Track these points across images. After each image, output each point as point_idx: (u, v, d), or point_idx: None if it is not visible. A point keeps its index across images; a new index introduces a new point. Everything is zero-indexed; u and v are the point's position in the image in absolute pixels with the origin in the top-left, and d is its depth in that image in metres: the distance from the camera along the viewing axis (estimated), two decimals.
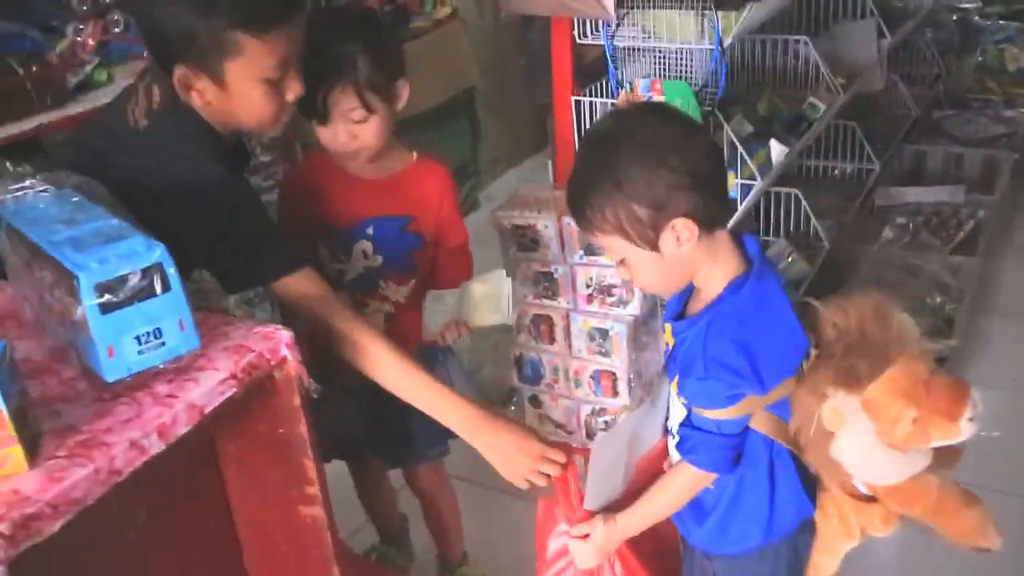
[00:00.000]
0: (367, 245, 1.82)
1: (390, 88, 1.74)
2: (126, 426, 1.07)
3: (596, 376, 2.40)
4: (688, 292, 1.48)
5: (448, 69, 4.19)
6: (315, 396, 1.30)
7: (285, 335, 1.26)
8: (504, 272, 1.87)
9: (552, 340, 2.42)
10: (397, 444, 1.99)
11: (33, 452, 1.01)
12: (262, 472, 1.38)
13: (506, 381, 2.59)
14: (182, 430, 1.11)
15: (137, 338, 1.09)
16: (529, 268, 2.35)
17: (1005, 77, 4.77)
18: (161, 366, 1.13)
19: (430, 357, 1.94)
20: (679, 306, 1.49)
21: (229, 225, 1.54)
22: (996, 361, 2.89)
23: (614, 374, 2.38)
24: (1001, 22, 5.41)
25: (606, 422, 2.44)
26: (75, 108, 2.94)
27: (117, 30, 3.10)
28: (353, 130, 1.71)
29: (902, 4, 3.77)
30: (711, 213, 1.35)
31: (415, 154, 1.87)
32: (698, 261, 1.38)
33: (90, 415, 1.10)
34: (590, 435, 2.48)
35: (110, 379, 1.09)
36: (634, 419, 1.57)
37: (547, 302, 2.38)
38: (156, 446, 1.08)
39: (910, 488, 1.38)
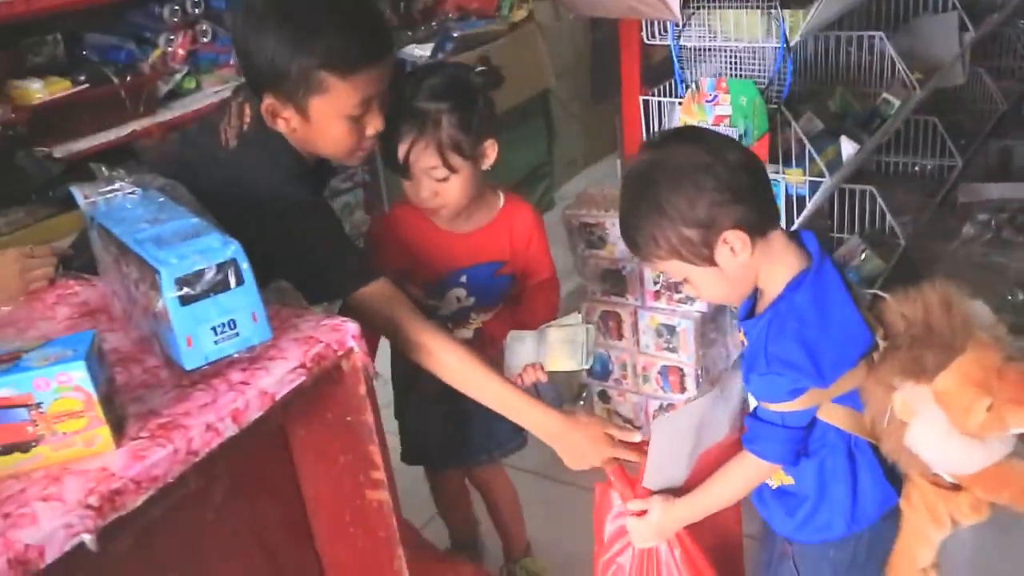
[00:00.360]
0: (461, 292, 1.87)
1: (476, 148, 1.74)
2: (203, 411, 1.15)
3: (664, 372, 2.44)
4: (755, 293, 1.50)
5: (524, 71, 4.23)
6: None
7: (352, 327, 1.32)
8: (582, 318, 1.87)
9: (620, 336, 2.45)
10: (476, 443, 2.03)
11: (119, 433, 1.09)
12: (331, 458, 1.44)
13: (575, 377, 2.63)
14: (254, 415, 1.18)
15: (213, 328, 1.16)
16: (597, 265, 2.39)
17: None
18: (235, 355, 1.21)
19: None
20: (749, 306, 1.52)
21: (310, 245, 1.61)
22: None
23: (682, 370, 2.41)
24: None
25: None
26: (166, 115, 3.09)
27: (205, 40, 3.22)
28: (435, 187, 1.73)
29: None
30: (759, 219, 1.38)
31: (502, 196, 1.89)
32: (757, 266, 1.40)
33: (170, 400, 1.18)
34: None
35: (188, 367, 1.16)
36: (699, 405, 1.59)
37: (615, 299, 2.42)
38: (230, 429, 1.15)
39: (995, 474, 1.37)
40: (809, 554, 1.56)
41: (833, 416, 1.44)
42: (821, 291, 1.39)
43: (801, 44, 2.23)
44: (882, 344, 1.39)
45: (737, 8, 2.14)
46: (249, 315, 1.21)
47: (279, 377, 1.22)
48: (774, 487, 1.55)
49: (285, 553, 1.50)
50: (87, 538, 1.00)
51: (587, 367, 1.85)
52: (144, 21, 3.10)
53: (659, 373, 2.45)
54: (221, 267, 1.16)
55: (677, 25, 2.22)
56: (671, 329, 2.36)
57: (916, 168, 3.50)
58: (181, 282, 1.13)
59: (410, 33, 4.18)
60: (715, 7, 2.15)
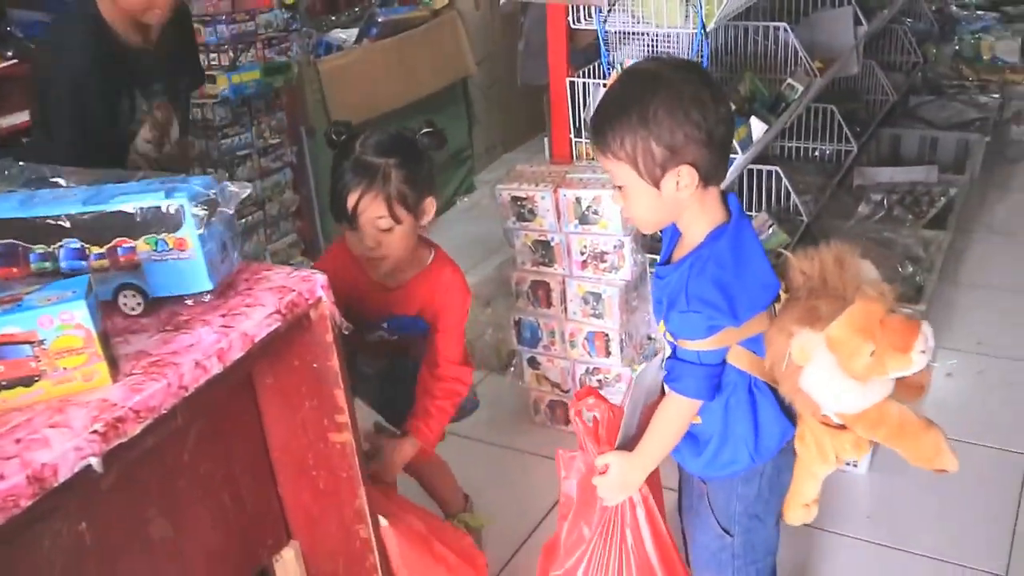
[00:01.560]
0: (383, 333, 1.96)
1: (419, 203, 1.82)
2: (189, 350, 1.23)
3: (590, 338, 2.54)
4: (673, 243, 1.60)
5: (445, 58, 4.33)
6: (346, 332, 1.46)
7: (320, 278, 1.41)
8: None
9: (549, 304, 2.56)
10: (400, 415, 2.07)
11: (115, 369, 1.17)
12: (297, 403, 1.52)
13: (506, 344, 2.74)
14: (237, 355, 1.27)
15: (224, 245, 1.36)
16: (527, 237, 2.50)
17: (980, 65, 4.91)
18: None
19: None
20: (667, 254, 1.62)
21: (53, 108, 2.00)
22: (962, 327, 3.05)
23: (607, 335, 2.52)
24: (979, 12, 5.58)
25: (599, 380, 2.60)
26: None
27: None
28: (379, 238, 1.79)
29: None
30: (713, 170, 1.49)
31: (432, 255, 1.95)
32: (685, 207, 1.50)
33: (157, 342, 1.25)
34: None
35: (214, 285, 1.32)
36: (656, 364, 1.70)
37: (544, 269, 2.52)
38: (216, 367, 1.24)
39: (874, 414, 1.51)
40: (719, 489, 1.69)
41: (738, 359, 1.56)
42: (739, 242, 1.51)
43: (714, 32, 2.37)
44: (783, 296, 1.54)
45: None
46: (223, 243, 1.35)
47: (257, 321, 1.31)
48: None
49: (250, 495, 1.57)
50: (94, 461, 1.08)
51: None
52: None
53: (586, 339, 2.55)
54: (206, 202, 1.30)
55: (602, 11, 2.34)
56: (597, 297, 2.48)
57: (816, 152, 3.69)
58: (200, 206, 1.27)
59: (334, 18, 4.25)
60: None
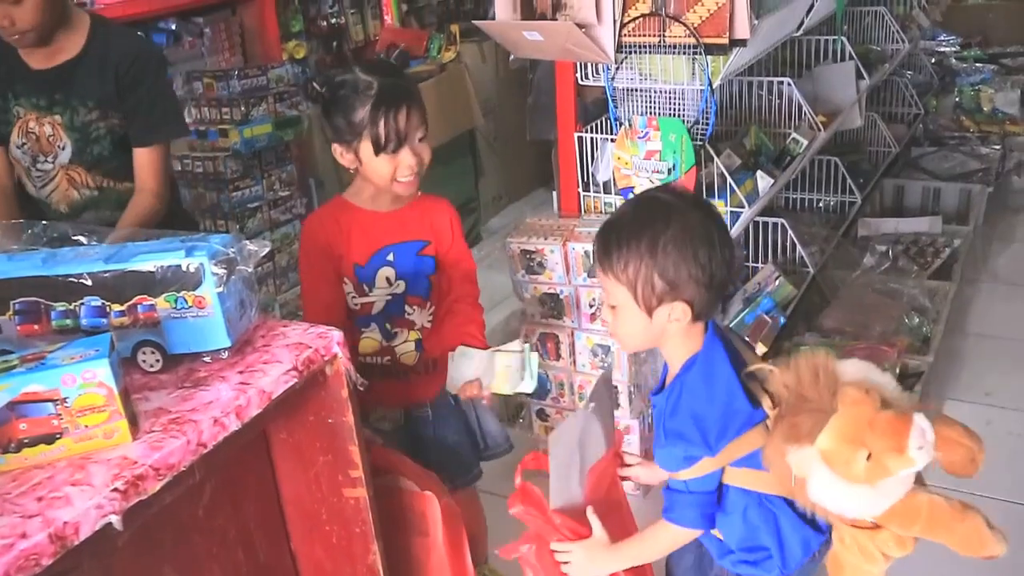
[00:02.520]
0: (390, 271, 1.91)
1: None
2: (208, 407, 1.24)
3: None
4: (665, 370, 1.60)
5: (452, 111, 4.39)
6: (361, 389, 1.47)
7: (336, 335, 1.43)
8: (527, 346, 1.94)
9: (558, 356, 2.56)
10: (438, 471, 2.02)
11: (134, 427, 1.18)
12: (311, 458, 1.53)
13: (515, 397, 2.74)
14: (254, 412, 1.28)
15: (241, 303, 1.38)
16: (536, 289, 2.52)
17: (980, 116, 4.96)
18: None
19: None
20: (660, 383, 1.61)
21: None
22: (969, 377, 3.05)
23: (616, 387, 2.51)
24: (977, 65, 5.66)
25: None
26: None
27: None
28: (419, 149, 1.83)
29: (880, 49, 3.97)
30: (705, 309, 1.50)
31: (419, 192, 1.97)
32: (669, 336, 1.51)
33: (176, 399, 1.27)
34: None
35: (232, 342, 1.34)
36: (579, 417, 1.66)
37: (553, 321, 2.53)
38: (234, 424, 1.25)
39: (902, 511, 1.44)
40: None
41: (737, 479, 1.53)
42: (709, 370, 1.50)
43: (719, 87, 2.41)
44: (771, 413, 1.49)
45: (664, 54, 2.28)
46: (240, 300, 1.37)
47: (274, 378, 1.32)
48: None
49: (263, 550, 1.58)
50: (115, 519, 1.08)
51: (530, 391, 1.94)
52: None
53: None
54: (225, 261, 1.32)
55: (610, 68, 2.38)
56: (606, 349, 2.49)
57: (820, 204, 3.72)
58: (220, 265, 1.30)
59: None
60: (645, 52, 2.29)
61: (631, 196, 2.39)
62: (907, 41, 4.05)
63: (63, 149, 2.22)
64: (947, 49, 5.77)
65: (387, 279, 1.92)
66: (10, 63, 2.16)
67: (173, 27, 3.36)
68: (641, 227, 1.47)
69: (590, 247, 2.41)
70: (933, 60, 5.28)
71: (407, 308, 1.96)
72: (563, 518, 1.60)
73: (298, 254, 1.98)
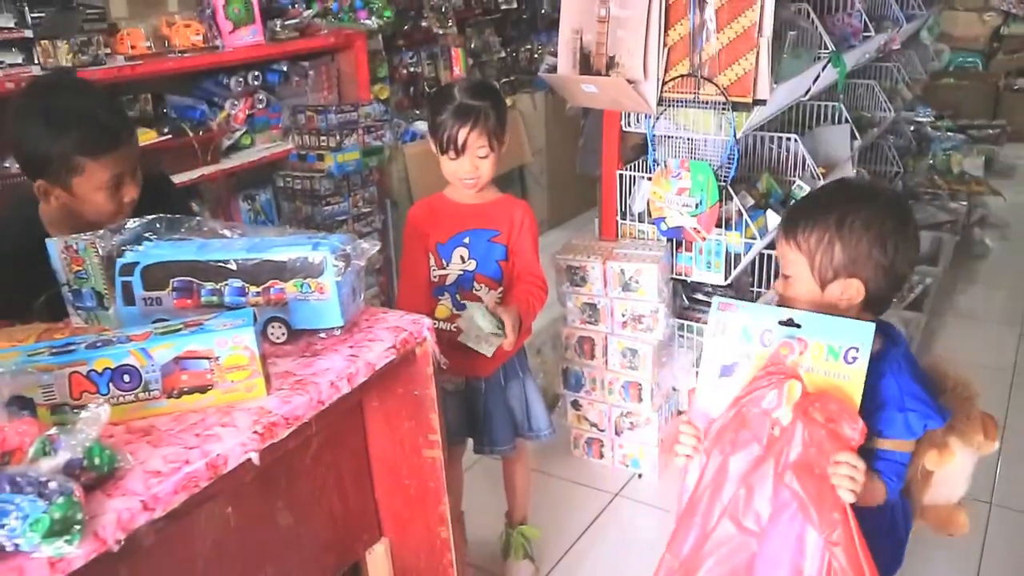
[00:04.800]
0: (463, 251, 2.00)
1: (503, 137, 1.95)
2: (325, 372, 1.29)
3: (626, 386, 2.56)
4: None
5: (507, 149, 4.43)
6: (443, 367, 1.51)
7: (427, 322, 1.47)
8: (477, 305, 1.89)
9: (593, 357, 2.58)
10: (478, 436, 2.14)
11: (268, 384, 1.23)
12: (397, 423, 1.57)
13: (553, 388, 2.77)
14: (361, 379, 1.33)
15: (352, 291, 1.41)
16: (578, 299, 2.55)
17: (950, 176, 4.93)
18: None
19: (512, 371, 2.11)
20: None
21: None
22: None
23: (640, 385, 2.54)
24: (949, 133, 5.64)
25: (631, 422, 2.62)
26: (226, 164, 3.23)
27: (260, 106, 3.38)
28: (477, 163, 1.92)
29: (869, 115, 3.98)
30: (880, 297, 1.34)
31: (504, 194, 2.07)
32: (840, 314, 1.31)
33: (299, 365, 1.32)
34: (618, 432, 2.65)
35: (344, 321, 1.38)
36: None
37: (590, 327, 2.55)
38: (345, 387, 1.29)
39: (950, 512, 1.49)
40: None
41: None
42: (908, 353, 1.37)
43: (740, 139, 2.43)
44: None
45: (697, 108, 2.31)
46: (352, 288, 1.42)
47: (378, 353, 1.37)
48: None
49: (353, 497, 1.61)
50: (254, 455, 1.13)
51: (472, 346, 1.90)
52: (215, 88, 3.24)
53: (622, 387, 2.57)
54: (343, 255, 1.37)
55: (651, 117, 2.41)
56: (634, 352, 2.51)
57: None
58: (338, 259, 1.34)
59: (418, 111, 4.38)
60: (680, 106, 2.32)
61: (662, 225, 2.43)
62: (892, 110, 4.05)
63: None
64: (924, 119, 5.74)
65: (460, 257, 2.01)
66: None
67: (284, 68, 3.43)
68: (837, 202, 1.33)
69: (625, 265, 2.44)
70: (912, 128, 5.25)
71: (476, 285, 2.01)
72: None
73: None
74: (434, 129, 1.94)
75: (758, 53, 2.17)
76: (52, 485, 0.92)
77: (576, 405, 2.70)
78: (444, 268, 2.01)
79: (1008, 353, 3.34)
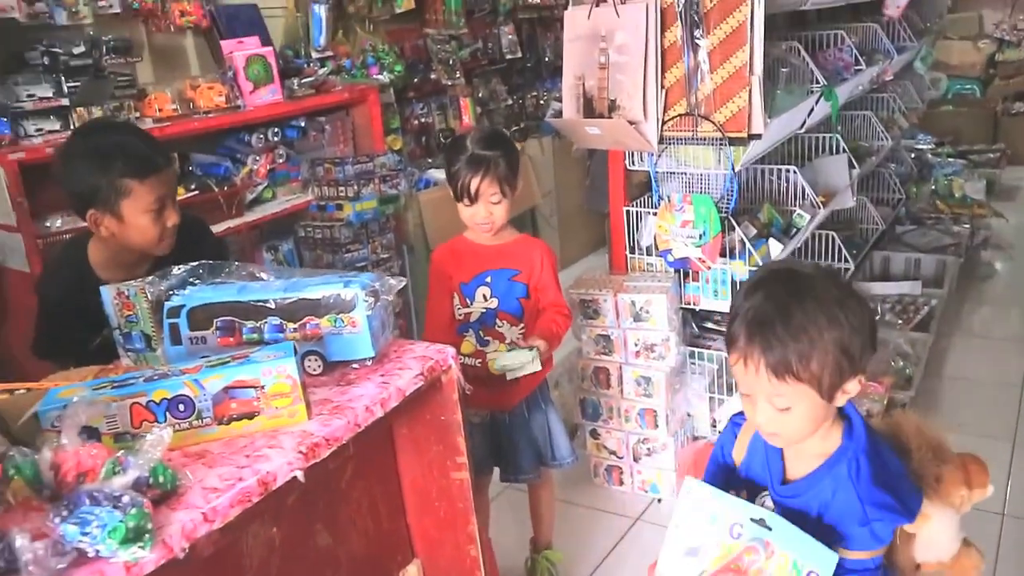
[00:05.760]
0: (486, 290, 2.11)
1: (515, 182, 2.08)
2: (360, 398, 1.39)
3: (642, 413, 2.64)
4: (779, 458, 1.30)
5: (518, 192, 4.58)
6: (468, 392, 1.61)
7: (451, 351, 1.58)
8: (497, 355, 2.01)
9: (608, 386, 2.67)
10: (503, 465, 2.24)
11: (309, 410, 1.34)
12: (426, 448, 1.66)
13: (572, 419, 2.85)
14: (393, 404, 1.43)
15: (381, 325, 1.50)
16: (592, 331, 2.65)
17: (952, 201, 5.01)
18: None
19: (535, 404, 2.21)
20: (779, 475, 1.29)
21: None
22: (944, 411, 3.11)
23: (655, 411, 2.62)
24: (950, 159, 5.75)
25: (649, 448, 2.69)
26: (250, 216, 3.37)
27: (280, 161, 3.53)
28: (491, 208, 2.04)
29: (867, 145, 4.10)
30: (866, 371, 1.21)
31: (522, 234, 2.19)
32: (832, 413, 1.23)
33: (336, 392, 1.42)
34: (636, 458, 2.72)
35: (375, 352, 1.47)
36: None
37: (605, 357, 2.64)
38: (379, 411, 1.39)
39: (955, 558, 1.45)
40: None
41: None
42: (873, 435, 1.26)
43: (739, 172, 2.55)
44: None
45: (696, 144, 2.43)
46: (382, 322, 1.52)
47: (407, 380, 1.47)
48: None
49: (386, 520, 1.70)
50: (299, 473, 1.23)
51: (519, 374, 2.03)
52: (237, 146, 3.40)
53: (638, 415, 2.65)
54: (372, 291, 1.47)
55: (653, 155, 2.54)
56: (648, 380, 2.59)
57: None
58: (368, 295, 1.44)
59: (430, 160, 4.54)
60: (681, 143, 2.44)
61: (669, 257, 2.54)
62: (890, 139, 4.17)
63: None
64: (924, 147, 5.87)
65: (483, 296, 2.11)
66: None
67: (303, 124, 3.59)
68: (801, 307, 1.13)
69: (635, 297, 2.55)
70: (913, 155, 5.36)
71: (498, 322, 2.12)
72: None
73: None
74: (449, 178, 2.07)
75: (750, 90, 2.30)
76: (125, 499, 1.03)
77: (595, 434, 2.78)
78: (468, 306, 2.12)
79: (1017, 369, 3.40)
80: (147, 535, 1.02)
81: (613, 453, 2.76)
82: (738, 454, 1.34)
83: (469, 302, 2.12)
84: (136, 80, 3.10)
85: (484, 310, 2.12)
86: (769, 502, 1.26)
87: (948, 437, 1.48)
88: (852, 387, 1.19)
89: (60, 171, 1.85)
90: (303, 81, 3.45)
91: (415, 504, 1.75)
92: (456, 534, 1.72)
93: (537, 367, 2.02)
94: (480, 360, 2.08)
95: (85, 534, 0.99)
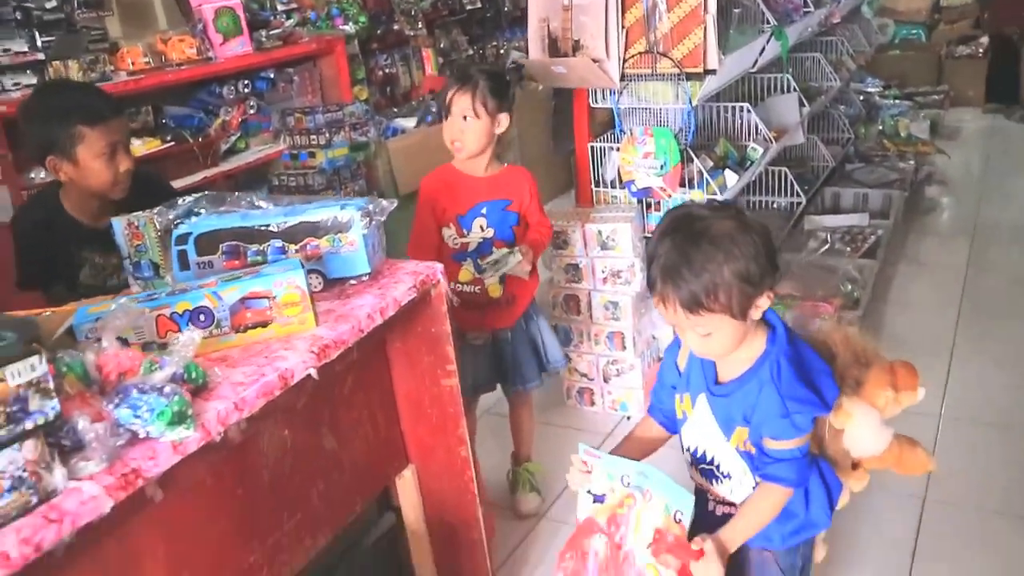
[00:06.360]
0: (483, 220, 2.20)
1: (495, 112, 2.12)
2: (361, 308, 1.52)
3: (610, 336, 2.80)
4: (712, 365, 1.45)
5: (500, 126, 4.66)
6: (455, 304, 1.75)
7: (439, 266, 1.72)
8: (506, 251, 2.17)
9: (579, 312, 2.82)
10: (510, 377, 2.37)
11: (317, 318, 1.47)
12: (417, 359, 1.81)
13: None
14: (391, 312, 1.56)
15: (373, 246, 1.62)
16: (562, 261, 2.80)
17: (899, 140, 5.20)
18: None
19: (528, 316, 2.34)
20: (713, 375, 1.45)
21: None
22: (890, 333, 3.32)
23: (623, 334, 2.78)
24: (896, 101, 5.97)
25: (618, 369, 2.86)
26: (224, 166, 3.46)
27: (252, 112, 3.60)
28: (461, 126, 2.10)
29: (817, 85, 4.27)
30: (775, 286, 1.38)
31: (507, 164, 2.28)
32: (752, 325, 1.38)
33: (340, 303, 1.55)
34: (606, 379, 2.89)
35: (371, 268, 1.60)
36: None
37: (574, 285, 2.79)
38: (379, 319, 1.53)
39: (886, 452, 1.60)
40: (788, 555, 1.52)
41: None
42: (795, 338, 1.42)
43: (697, 110, 2.69)
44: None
45: (656, 81, 2.57)
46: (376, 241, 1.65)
47: (402, 292, 1.61)
48: None
49: (383, 427, 1.84)
50: (312, 371, 1.37)
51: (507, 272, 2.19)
52: (209, 98, 3.47)
53: (607, 338, 2.80)
54: (366, 213, 1.60)
55: (615, 92, 2.68)
56: (615, 304, 2.74)
57: (774, 204, 3.97)
58: (363, 216, 1.56)
59: (396, 110, 4.62)
60: (641, 80, 2.58)
61: (632, 187, 2.69)
62: (838, 80, 4.34)
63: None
64: (872, 89, 6.06)
65: (480, 226, 2.21)
66: (73, 235, 2.07)
67: (272, 75, 3.66)
68: (699, 250, 1.30)
69: (602, 227, 2.69)
70: (862, 98, 5.54)
71: (494, 250, 2.21)
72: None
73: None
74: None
75: (705, 28, 2.44)
76: (167, 389, 1.16)
77: (567, 358, 2.93)
78: (465, 236, 2.21)
79: (955, 293, 3.64)
80: (189, 419, 1.16)
81: (584, 375, 2.92)
82: (682, 361, 1.54)
83: (466, 232, 2.21)
84: (107, 34, 3.13)
85: (481, 239, 2.21)
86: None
87: (879, 347, 1.63)
88: (763, 302, 1.34)
89: (24, 123, 2.03)
90: (271, 33, 3.51)
91: (409, 413, 1.89)
92: (447, 438, 1.87)
93: (518, 258, 2.15)
94: (479, 287, 2.19)
95: (137, 417, 1.12)
